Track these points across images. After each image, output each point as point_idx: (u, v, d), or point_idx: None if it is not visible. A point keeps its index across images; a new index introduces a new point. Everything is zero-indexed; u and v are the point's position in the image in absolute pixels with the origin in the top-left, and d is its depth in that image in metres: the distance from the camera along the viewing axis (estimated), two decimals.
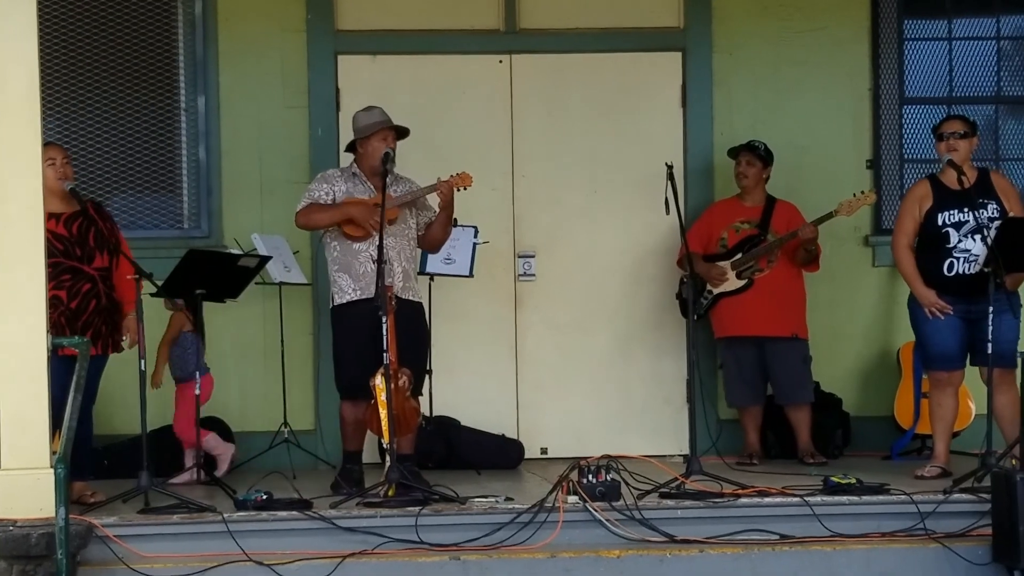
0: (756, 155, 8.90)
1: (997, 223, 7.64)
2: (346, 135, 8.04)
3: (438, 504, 7.06)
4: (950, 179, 7.84)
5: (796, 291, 8.89)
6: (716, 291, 8.89)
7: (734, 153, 8.97)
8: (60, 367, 6.79)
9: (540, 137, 9.31)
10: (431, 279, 8.77)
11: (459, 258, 8.84)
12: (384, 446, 7.40)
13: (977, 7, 9.64)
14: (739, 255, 8.88)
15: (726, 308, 8.89)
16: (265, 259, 8.18)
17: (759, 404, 8.94)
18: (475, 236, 8.86)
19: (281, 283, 8.73)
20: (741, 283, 8.86)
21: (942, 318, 7.83)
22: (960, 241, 7.80)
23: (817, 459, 8.65)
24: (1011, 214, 7.76)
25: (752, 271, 8.84)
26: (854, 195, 8.67)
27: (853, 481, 7.29)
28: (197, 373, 7.90)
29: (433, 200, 7.88)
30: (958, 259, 7.80)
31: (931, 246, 7.90)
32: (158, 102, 9.12)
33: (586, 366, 9.33)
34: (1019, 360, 7.36)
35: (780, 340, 8.79)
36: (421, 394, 7.86)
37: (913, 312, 8.02)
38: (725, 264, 8.88)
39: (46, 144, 7.53)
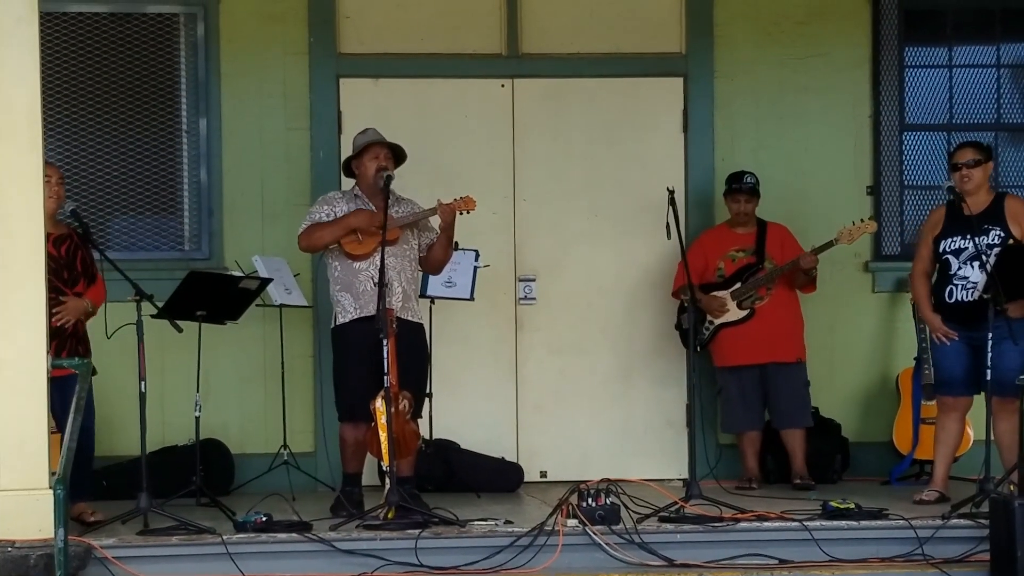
0: (753, 191, 8.89)
1: (997, 250, 7.65)
2: None
3: (437, 527, 7.07)
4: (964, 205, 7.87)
5: (796, 315, 8.90)
6: (717, 322, 8.88)
7: (729, 188, 8.93)
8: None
9: (542, 161, 9.32)
10: (432, 302, 8.78)
11: (460, 281, 8.84)
12: (384, 468, 7.40)
13: (977, 34, 9.67)
14: (738, 284, 8.88)
15: (728, 338, 8.87)
16: (266, 281, 8.19)
17: (758, 429, 8.93)
18: (476, 259, 8.86)
19: (282, 305, 8.73)
20: (743, 313, 8.85)
21: (947, 343, 7.86)
22: (960, 268, 7.81)
23: (806, 481, 8.64)
24: (1021, 239, 7.75)
25: (753, 300, 8.84)
26: (853, 223, 8.67)
27: (852, 506, 7.31)
28: None
29: (436, 221, 7.90)
30: (956, 286, 7.82)
31: (937, 273, 7.96)
32: (160, 124, 9.14)
33: (586, 390, 9.33)
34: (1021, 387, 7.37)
35: (784, 365, 8.79)
36: (421, 417, 7.86)
37: (929, 337, 8.10)
38: (724, 294, 8.88)
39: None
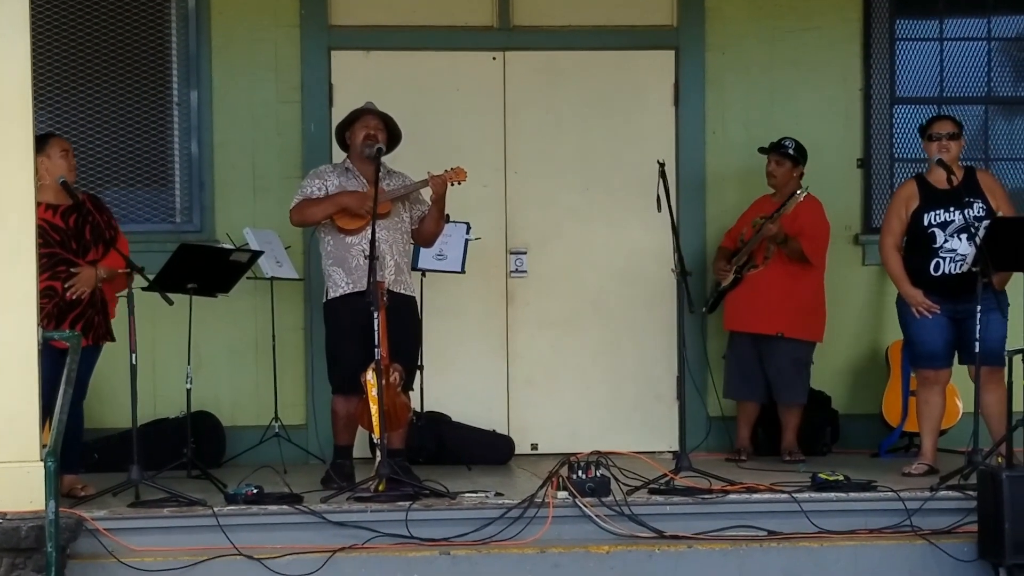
0: (784, 155, 8.88)
1: (985, 223, 7.67)
2: None
3: (428, 499, 7.09)
4: (937, 179, 7.88)
5: (794, 291, 8.78)
6: (722, 285, 8.93)
7: (764, 151, 8.96)
8: (52, 359, 6.80)
9: (533, 134, 9.32)
10: (423, 275, 8.78)
11: (451, 254, 8.85)
12: (375, 441, 7.42)
13: (968, 8, 9.66)
14: (742, 251, 8.91)
15: (729, 303, 8.94)
16: (257, 254, 8.20)
17: (754, 401, 8.94)
18: (467, 232, 8.87)
19: (273, 278, 8.74)
20: (732, 278, 8.89)
21: (929, 317, 7.88)
22: (946, 241, 7.83)
23: (795, 456, 8.67)
24: (998, 212, 7.80)
25: (746, 268, 8.86)
26: (789, 196, 8.65)
27: (841, 478, 7.34)
28: None
29: (427, 194, 7.90)
30: (944, 259, 7.84)
31: (918, 246, 7.94)
32: (151, 96, 9.13)
33: (577, 362, 9.35)
34: (1007, 359, 7.39)
35: (770, 338, 8.80)
36: (412, 389, 7.88)
37: (901, 311, 8.07)
38: (734, 260, 8.92)
39: (56, 137, 7.57)
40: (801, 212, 8.76)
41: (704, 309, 8.91)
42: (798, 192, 8.59)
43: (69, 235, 7.41)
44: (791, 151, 8.86)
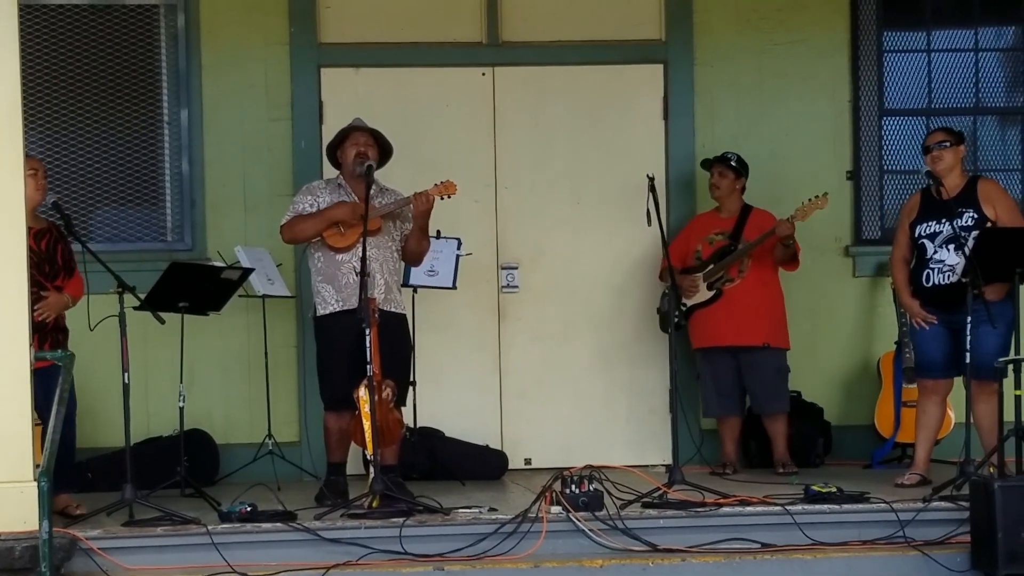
0: (728, 166, 8.92)
1: (973, 233, 7.69)
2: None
3: (422, 515, 7.10)
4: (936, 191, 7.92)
5: (769, 300, 8.83)
6: (689, 303, 8.91)
7: (707, 165, 9.00)
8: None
9: (523, 149, 9.34)
10: (415, 291, 8.79)
11: (442, 270, 8.86)
12: (368, 457, 7.43)
13: (956, 19, 9.70)
14: (711, 266, 8.90)
15: (700, 320, 8.90)
16: (248, 271, 8.20)
17: (736, 415, 8.94)
18: (458, 248, 8.88)
19: (264, 296, 8.75)
20: (710, 294, 8.88)
21: (926, 328, 7.90)
22: (936, 252, 7.86)
23: (788, 468, 8.68)
24: (996, 220, 7.79)
25: (722, 281, 8.86)
26: (808, 200, 8.67)
27: (834, 490, 7.35)
28: None
29: None
30: (933, 270, 7.87)
31: (915, 258, 8.00)
32: (141, 115, 9.14)
33: (569, 377, 9.36)
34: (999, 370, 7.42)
35: (753, 350, 8.79)
36: (404, 405, 7.89)
37: (908, 321, 8.14)
38: (697, 276, 8.91)
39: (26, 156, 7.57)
40: (766, 223, 8.78)
41: (670, 330, 8.82)
42: (815, 197, 8.60)
43: (43, 258, 7.42)
44: (733, 163, 8.90)
